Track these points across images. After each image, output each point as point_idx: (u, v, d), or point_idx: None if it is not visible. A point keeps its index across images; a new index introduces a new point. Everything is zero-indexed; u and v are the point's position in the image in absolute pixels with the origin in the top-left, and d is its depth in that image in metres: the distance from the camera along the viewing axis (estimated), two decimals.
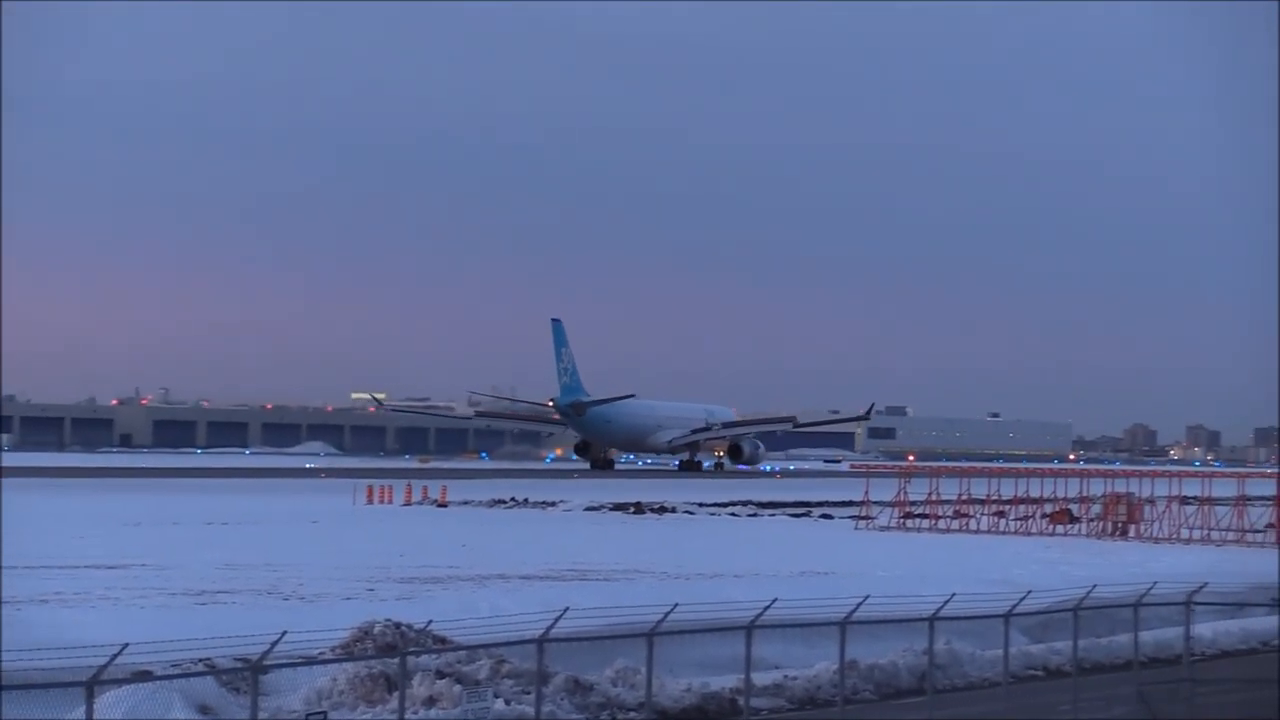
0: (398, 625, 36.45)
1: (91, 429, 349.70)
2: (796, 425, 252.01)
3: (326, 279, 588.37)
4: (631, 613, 35.44)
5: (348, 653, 34.56)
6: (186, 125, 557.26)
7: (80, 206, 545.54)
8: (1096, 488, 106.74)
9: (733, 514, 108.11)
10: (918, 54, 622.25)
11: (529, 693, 32.49)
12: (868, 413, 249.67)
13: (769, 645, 38.03)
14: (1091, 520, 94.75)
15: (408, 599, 46.43)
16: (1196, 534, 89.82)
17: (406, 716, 29.80)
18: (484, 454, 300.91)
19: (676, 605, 33.46)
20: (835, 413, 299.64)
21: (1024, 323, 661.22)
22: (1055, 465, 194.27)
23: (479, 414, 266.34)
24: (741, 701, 34.30)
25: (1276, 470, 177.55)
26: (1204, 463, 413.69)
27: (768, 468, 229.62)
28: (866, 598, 35.80)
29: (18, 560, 54.72)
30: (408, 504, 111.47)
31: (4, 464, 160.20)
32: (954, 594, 38.73)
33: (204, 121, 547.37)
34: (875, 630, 37.97)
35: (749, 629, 32.68)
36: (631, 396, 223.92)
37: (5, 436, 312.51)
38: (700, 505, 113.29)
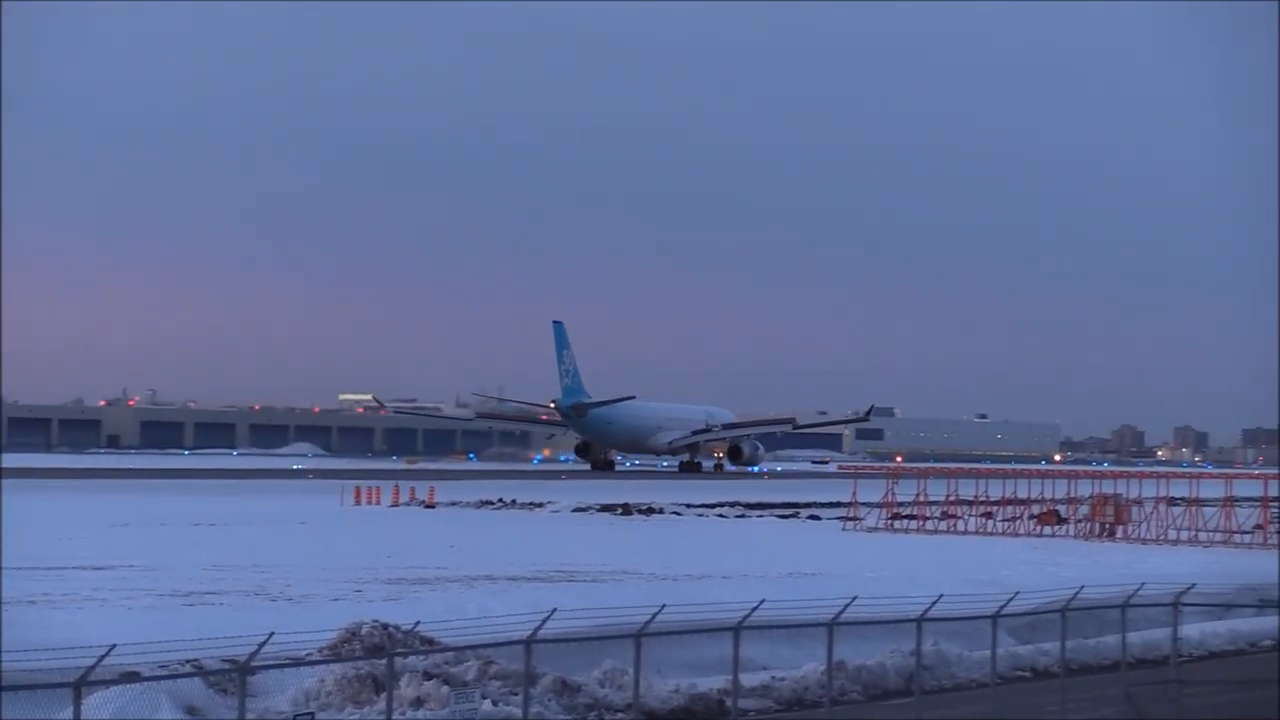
0: (385, 626, 36.42)
1: (79, 430, 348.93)
2: (796, 427, 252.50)
3: (324, 280, 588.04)
4: (619, 614, 35.45)
5: (335, 654, 34.53)
6: (185, 125, 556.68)
7: (73, 206, 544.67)
8: (1084, 489, 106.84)
9: (721, 515, 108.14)
10: (918, 54, 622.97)
11: (517, 694, 32.47)
12: (867, 413, 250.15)
13: (757, 646, 38.04)
14: (1079, 521, 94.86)
15: (395, 600, 46.44)
16: (1184, 535, 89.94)
17: (394, 717, 29.78)
18: (472, 455, 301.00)
19: (664, 606, 33.48)
20: (824, 414, 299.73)
21: (1021, 323, 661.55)
22: (1043, 466, 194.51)
23: (480, 415, 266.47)
24: (729, 702, 34.29)
25: (1274, 471, 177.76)
26: (1192, 464, 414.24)
27: (755, 469, 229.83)
28: (854, 599, 35.83)
29: (6, 561, 54.61)
30: (395, 505, 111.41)
31: None
32: (941, 595, 38.75)
33: (202, 121, 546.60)
34: (863, 631, 37.99)
35: (737, 630, 32.68)
36: (632, 398, 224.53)
37: None
38: (688, 506, 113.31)
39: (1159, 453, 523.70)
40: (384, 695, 29.77)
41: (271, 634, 27.21)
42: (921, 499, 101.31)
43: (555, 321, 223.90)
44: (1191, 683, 38.70)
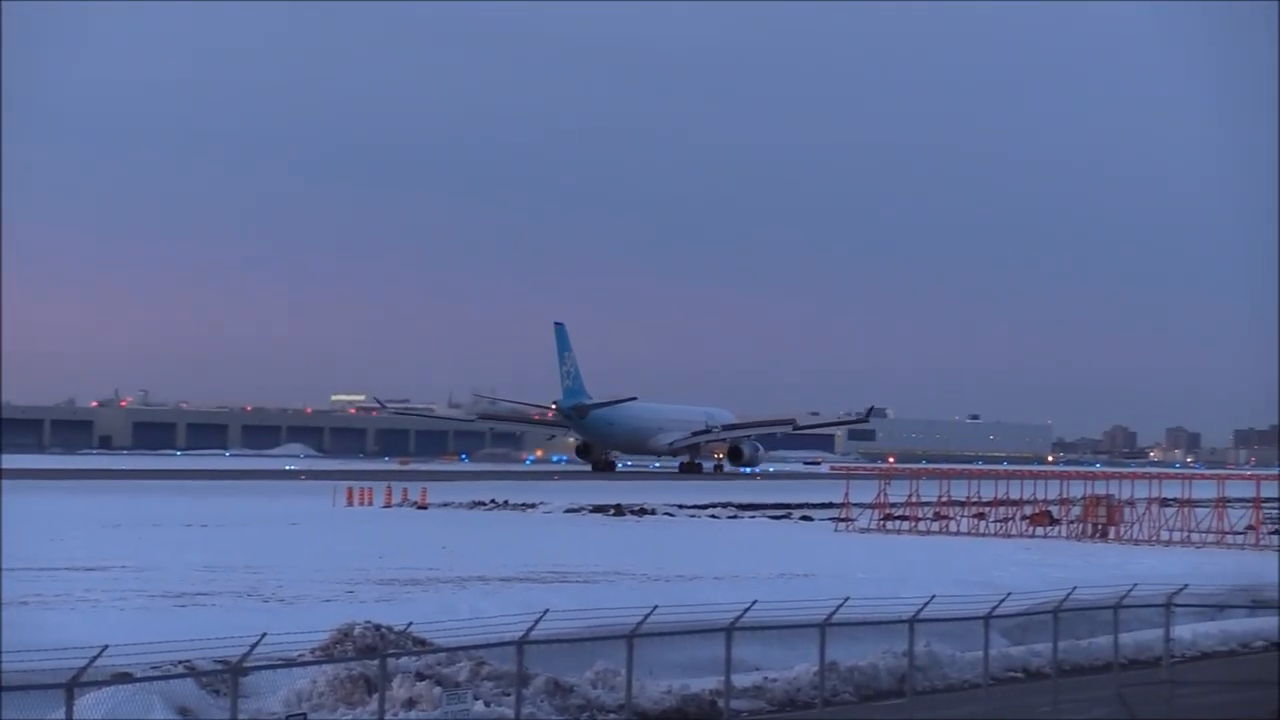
0: (378, 627, 36.42)
1: (71, 431, 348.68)
2: (796, 428, 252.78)
3: (322, 280, 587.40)
4: (611, 615, 35.44)
5: (328, 655, 34.53)
6: (182, 125, 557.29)
7: (65, 206, 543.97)
8: (1076, 489, 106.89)
9: (713, 516, 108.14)
10: (918, 54, 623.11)
11: (509, 695, 32.49)
12: (867, 414, 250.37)
13: (749, 647, 38.05)
14: (1071, 522, 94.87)
15: (387, 601, 46.42)
16: (1176, 536, 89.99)
17: (386, 718, 29.78)
18: (464, 455, 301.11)
19: (656, 607, 33.48)
20: (815, 414, 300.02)
21: (1019, 324, 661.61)
22: (1035, 467, 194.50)
23: (482, 417, 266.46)
24: (721, 703, 34.34)
25: (1267, 472, 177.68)
26: (1184, 465, 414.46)
27: (747, 470, 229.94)
28: (846, 600, 35.83)
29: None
30: (388, 506, 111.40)
31: None
32: (934, 596, 38.79)
33: (200, 122, 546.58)
34: (855, 632, 38.02)
35: (729, 631, 32.71)
36: (633, 399, 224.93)
37: None
38: (680, 507, 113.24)
39: (1151, 454, 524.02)
40: (376, 696, 29.77)
41: (264, 635, 27.21)
42: (914, 500, 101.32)
43: (557, 323, 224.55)
44: (1184, 683, 38.75)
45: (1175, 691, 37.38)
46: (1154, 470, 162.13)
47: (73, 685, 23.77)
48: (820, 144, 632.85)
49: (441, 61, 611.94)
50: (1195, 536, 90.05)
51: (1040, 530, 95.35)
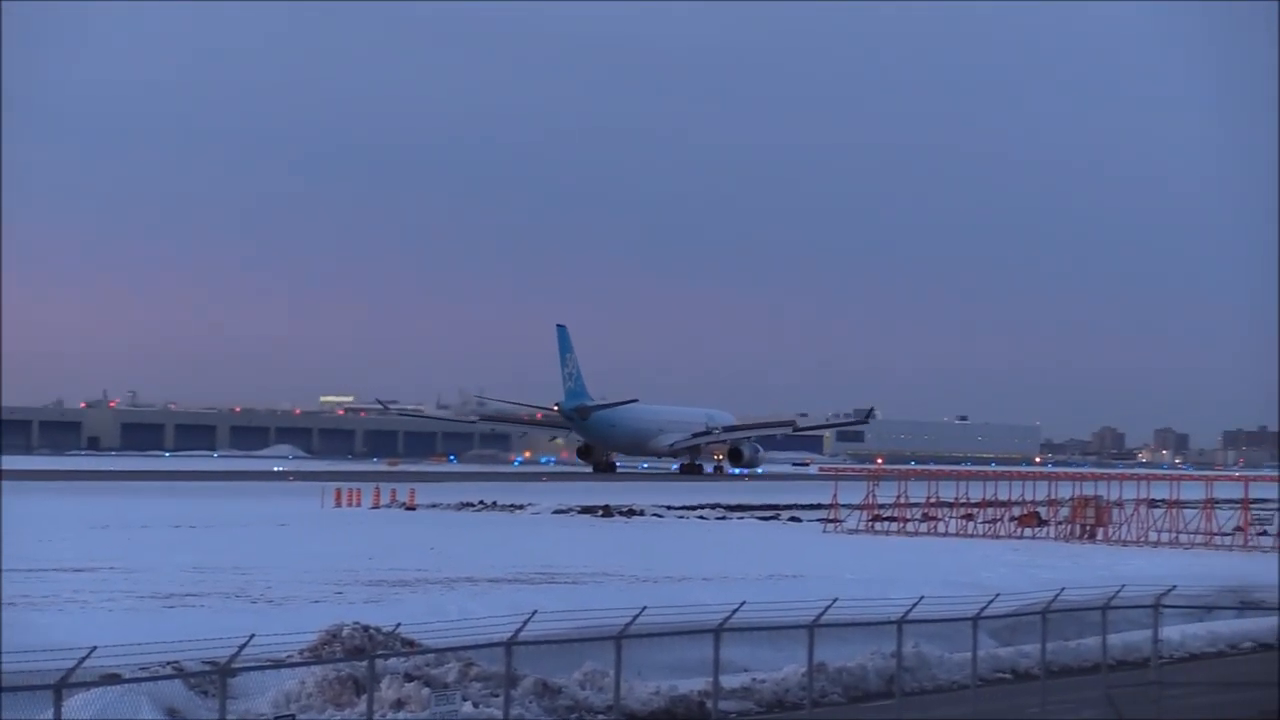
0: (366, 628, 36.40)
1: (59, 432, 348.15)
2: (796, 429, 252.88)
3: (321, 281, 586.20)
4: (600, 616, 35.46)
5: (316, 656, 34.51)
6: (181, 126, 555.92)
7: (66, 206, 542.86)
8: (1064, 490, 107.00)
9: (701, 517, 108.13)
10: (918, 54, 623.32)
11: (497, 695, 32.48)
12: (867, 415, 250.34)
13: (737, 648, 38.06)
14: (1060, 523, 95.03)
15: (376, 602, 46.40)
16: (1164, 537, 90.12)
17: (375, 719, 29.77)
18: (452, 456, 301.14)
19: (645, 608, 33.50)
20: (804, 415, 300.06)
21: (1017, 324, 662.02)
22: (1023, 468, 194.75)
23: (483, 418, 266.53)
24: (710, 704, 34.34)
25: (1254, 474, 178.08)
26: (1172, 466, 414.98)
27: (736, 471, 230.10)
28: (835, 601, 35.86)
29: None
30: (376, 507, 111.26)
31: None
32: (922, 597, 38.83)
33: (198, 122, 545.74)
34: (843, 633, 38.05)
35: (717, 632, 32.72)
36: (634, 401, 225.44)
37: None
38: (669, 508, 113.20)
39: (1139, 455, 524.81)
40: (365, 697, 29.77)
41: (252, 636, 27.21)
42: (902, 501, 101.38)
43: (559, 325, 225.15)
44: (1172, 684, 38.79)
45: (1163, 692, 37.41)
46: (1142, 471, 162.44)
47: (61, 686, 23.75)
48: (820, 144, 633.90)
49: (441, 61, 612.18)
50: (1183, 538, 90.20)
51: (1028, 531, 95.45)
